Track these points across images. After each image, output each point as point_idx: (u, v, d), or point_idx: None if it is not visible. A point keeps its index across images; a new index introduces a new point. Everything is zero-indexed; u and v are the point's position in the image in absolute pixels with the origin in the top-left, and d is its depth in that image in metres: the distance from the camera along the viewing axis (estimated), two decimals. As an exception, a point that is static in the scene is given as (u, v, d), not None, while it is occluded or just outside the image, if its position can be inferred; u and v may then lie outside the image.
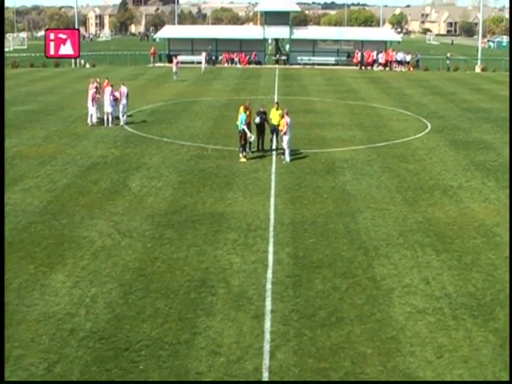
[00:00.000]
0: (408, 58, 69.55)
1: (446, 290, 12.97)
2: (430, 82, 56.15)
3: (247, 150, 24.28)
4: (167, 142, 27.20)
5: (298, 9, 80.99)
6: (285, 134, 23.35)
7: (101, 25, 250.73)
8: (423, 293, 12.78)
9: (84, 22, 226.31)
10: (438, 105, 40.75)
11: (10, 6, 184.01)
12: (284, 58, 73.92)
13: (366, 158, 24.59)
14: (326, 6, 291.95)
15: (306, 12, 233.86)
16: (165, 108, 37.46)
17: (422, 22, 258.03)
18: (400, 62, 69.10)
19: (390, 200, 19.15)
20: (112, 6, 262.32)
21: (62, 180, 20.96)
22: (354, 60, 70.31)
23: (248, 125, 23.76)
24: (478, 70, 70.16)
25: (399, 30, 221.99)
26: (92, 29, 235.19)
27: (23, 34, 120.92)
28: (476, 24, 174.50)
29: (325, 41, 75.33)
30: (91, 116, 30.95)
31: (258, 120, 24.34)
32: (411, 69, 68.65)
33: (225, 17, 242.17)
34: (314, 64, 71.42)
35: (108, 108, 30.44)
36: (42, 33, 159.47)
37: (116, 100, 30.47)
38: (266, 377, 9.80)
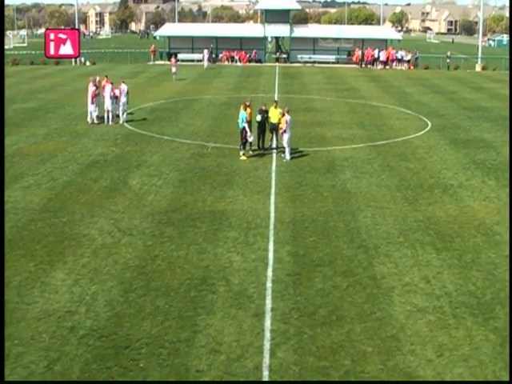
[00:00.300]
0: (408, 56, 69.49)
1: (447, 288, 12.96)
2: (431, 80, 56.12)
3: (247, 148, 24.25)
4: (167, 139, 27.19)
5: (298, 7, 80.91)
6: (285, 132, 23.34)
7: (101, 22, 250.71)
8: (423, 291, 12.78)
9: (84, 19, 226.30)
10: (438, 103, 40.73)
11: (10, 3, 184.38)
12: (284, 56, 73.89)
13: (366, 157, 24.58)
14: (326, 4, 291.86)
15: (307, 10, 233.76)
16: (165, 106, 37.45)
17: (423, 21, 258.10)
18: (400, 61, 69.07)
19: (391, 198, 19.14)
20: (112, 3, 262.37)
21: (62, 178, 20.96)
22: (354, 59, 70.26)
23: (249, 123, 23.75)
24: (478, 68, 70.13)
25: (399, 28, 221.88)
26: (92, 26, 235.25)
27: (23, 32, 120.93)
28: (476, 22, 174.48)
29: (325, 39, 75.25)
30: (91, 114, 30.93)
31: (259, 118, 24.32)
32: (411, 67, 68.63)
33: (225, 15, 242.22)
34: (314, 62, 71.41)
35: (108, 106, 30.43)
36: (42, 30, 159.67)
37: (116, 98, 30.46)
38: (266, 375, 9.80)
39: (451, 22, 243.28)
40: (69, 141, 26.91)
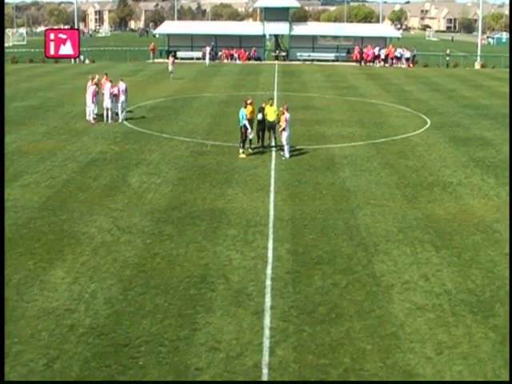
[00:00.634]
0: (407, 54, 69.49)
1: (446, 286, 12.97)
2: (430, 78, 56.12)
3: (246, 146, 24.23)
4: (167, 138, 27.18)
5: (297, 5, 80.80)
6: (284, 130, 23.33)
7: (100, 20, 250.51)
8: (423, 289, 12.78)
9: (83, 17, 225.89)
10: (437, 101, 40.73)
11: (9, 1, 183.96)
12: (284, 54, 73.84)
13: (365, 155, 24.58)
14: (325, 2, 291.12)
15: (306, 8, 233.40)
16: (164, 104, 37.42)
17: (422, 19, 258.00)
18: (399, 59, 69.06)
19: (390, 196, 19.14)
20: (111, 1, 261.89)
21: (61, 176, 20.94)
22: (354, 57, 70.22)
23: (249, 121, 23.74)
24: (477, 66, 70.12)
25: (399, 26, 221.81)
26: (91, 24, 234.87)
27: (23, 30, 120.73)
28: (475, 20, 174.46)
29: (324, 37, 75.25)
30: (91, 112, 30.89)
31: (260, 116, 24.29)
32: (411, 65, 68.61)
33: (224, 13, 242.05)
34: (313, 60, 71.38)
35: (107, 104, 30.40)
36: (41, 28, 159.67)
37: (115, 96, 30.42)
38: (265, 373, 9.80)
39: (450, 19, 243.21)
40: (68, 139, 26.89)
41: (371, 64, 68.59)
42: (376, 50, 68.99)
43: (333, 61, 71.62)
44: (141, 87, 44.12)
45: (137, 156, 23.81)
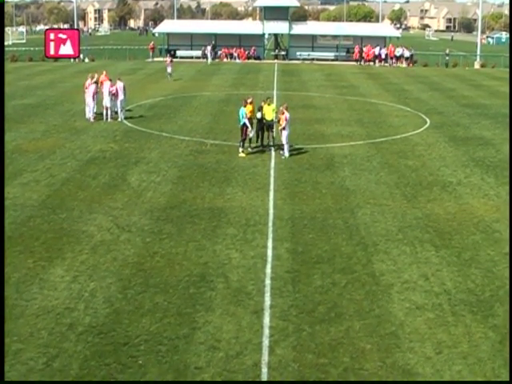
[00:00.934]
0: (407, 53, 69.46)
1: (445, 286, 12.96)
2: (429, 78, 56.12)
3: (246, 145, 24.21)
4: (166, 136, 27.16)
5: (297, 4, 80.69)
6: (284, 129, 23.32)
7: (100, 19, 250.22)
8: (422, 289, 12.78)
9: (83, 16, 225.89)
10: (437, 101, 40.73)
11: (9, 0, 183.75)
12: (283, 53, 73.81)
13: (365, 154, 24.57)
14: (325, 2, 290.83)
15: (306, 7, 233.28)
16: (164, 103, 37.40)
17: (421, 18, 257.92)
18: (399, 58, 69.04)
19: (389, 196, 19.14)
20: (111, 0, 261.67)
21: (60, 174, 20.93)
22: (354, 56, 70.20)
23: (249, 120, 23.72)
24: (477, 66, 70.10)
25: (398, 25, 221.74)
26: (91, 23, 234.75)
27: (22, 28, 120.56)
28: (475, 20, 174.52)
29: (324, 36, 75.24)
30: (91, 110, 30.86)
31: (259, 115, 24.28)
32: (411, 65, 68.60)
33: (224, 12, 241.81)
34: (313, 59, 71.35)
35: (107, 102, 30.38)
36: (40, 27, 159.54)
37: (114, 95, 30.40)
38: (264, 372, 9.79)
39: (450, 19, 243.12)
40: (67, 137, 26.87)
41: (371, 63, 68.55)
42: (376, 50, 68.91)
43: (332, 60, 71.59)
44: (140, 86, 44.12)
45: (136, 154, 23.79)
